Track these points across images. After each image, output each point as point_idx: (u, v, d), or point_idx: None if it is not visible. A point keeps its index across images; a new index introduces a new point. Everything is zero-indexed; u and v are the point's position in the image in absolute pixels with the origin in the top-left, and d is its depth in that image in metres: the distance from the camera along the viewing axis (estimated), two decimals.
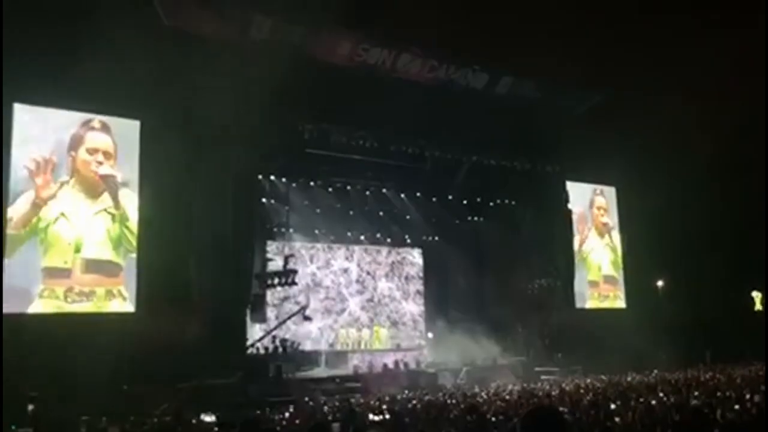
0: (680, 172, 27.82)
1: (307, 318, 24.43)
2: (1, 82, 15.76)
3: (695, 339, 26.03)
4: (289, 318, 24.28)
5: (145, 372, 17.63)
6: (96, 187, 19.27)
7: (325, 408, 14.83)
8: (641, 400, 11.30)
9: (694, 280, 28.83)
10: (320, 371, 23.88)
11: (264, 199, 23.74)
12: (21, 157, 18.32)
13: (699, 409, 6.15)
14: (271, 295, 24.39)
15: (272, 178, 23.61)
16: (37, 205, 18.32)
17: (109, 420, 11.26)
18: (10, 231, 17.84)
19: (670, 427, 7.40)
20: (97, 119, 19.58)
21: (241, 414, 12.90)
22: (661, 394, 12.19)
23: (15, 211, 17.98)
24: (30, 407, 13.52)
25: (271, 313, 24.69)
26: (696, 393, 12.07)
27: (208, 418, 12.29)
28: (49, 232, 18.44)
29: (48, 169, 18.64)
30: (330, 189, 25.29)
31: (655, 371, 21.42)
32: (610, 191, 31.82)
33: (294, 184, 24.27)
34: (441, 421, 9.81)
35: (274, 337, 21.95)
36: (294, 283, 22.11)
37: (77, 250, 18.64)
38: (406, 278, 29.64)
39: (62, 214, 18.64)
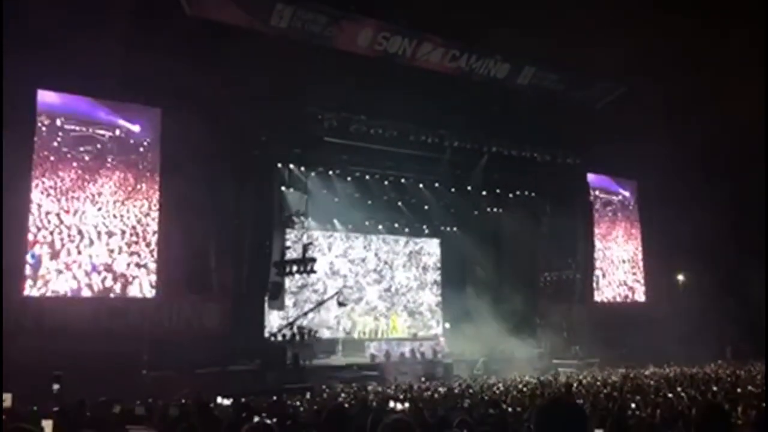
0: (703, 165, 27.48)
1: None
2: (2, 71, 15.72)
3: (716, 334, 25.76)
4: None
5: (165, 358, 17.86)
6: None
7: (342, 395, 14.92)
8: (660, 394, 11.23)
9: (716, 274, 28.51)
10: (337, 359, 24.04)
11: (283, 188, 23.81)
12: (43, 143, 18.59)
13: (717, 404, 6.07)
14: (288, 283, 24.53)
15: (291, 166, 23.63)
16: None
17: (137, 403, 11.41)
18: None
19: (688, 422, 7.33)
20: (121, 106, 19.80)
21: (259, 400, 13.00)
22: (679, 389, 12.08)
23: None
24: (55, 386, 13.73)
25: (288, 300, 24.84)
26: (714, 388, 11.97)
27: (226, 402, 12.41)
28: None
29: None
30: (349, 178, 25.28)
31: (674, 366, 21.27)
32: (632, 184, 31.58)
33: (313, 173, 24.28)
34: (456, 411, 9.81)
35: (291, 325, 22.12)
36: (313, 271, 22.19)
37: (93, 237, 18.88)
38: (424, 268, 29.64)
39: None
